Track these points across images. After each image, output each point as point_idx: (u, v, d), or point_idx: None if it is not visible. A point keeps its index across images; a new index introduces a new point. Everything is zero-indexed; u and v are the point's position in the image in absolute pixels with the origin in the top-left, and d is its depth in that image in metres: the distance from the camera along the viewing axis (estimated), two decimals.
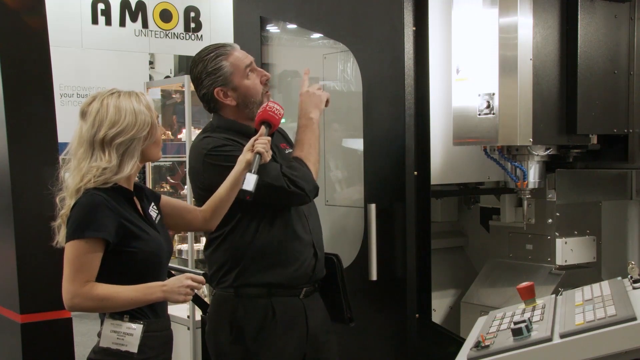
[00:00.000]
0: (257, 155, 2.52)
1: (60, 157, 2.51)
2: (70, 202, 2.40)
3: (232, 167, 2.63)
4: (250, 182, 2.45)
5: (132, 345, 2.40)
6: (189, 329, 5.22)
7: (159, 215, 2.60)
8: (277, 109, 2.65)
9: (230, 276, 2.78)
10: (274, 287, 2.75)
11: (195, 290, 2.52)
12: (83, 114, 2.46)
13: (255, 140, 2.57)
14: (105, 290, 2.36)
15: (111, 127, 2.40)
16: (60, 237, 2.45)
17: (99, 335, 2.45)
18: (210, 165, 2.73)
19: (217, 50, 2.82)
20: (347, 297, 2.92)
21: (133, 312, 2.42)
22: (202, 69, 2.81)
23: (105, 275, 2.37)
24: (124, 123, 2.41)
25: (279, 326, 2.74)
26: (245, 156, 2.56)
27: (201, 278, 2.47)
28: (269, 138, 2.59)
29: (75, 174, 2.41)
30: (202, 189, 2.77)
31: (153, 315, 2.46)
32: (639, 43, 3.27)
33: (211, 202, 2.67)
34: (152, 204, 2.60)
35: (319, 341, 2.83)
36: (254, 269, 2.75)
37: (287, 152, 2.88)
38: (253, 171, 2.48)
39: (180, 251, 5.69)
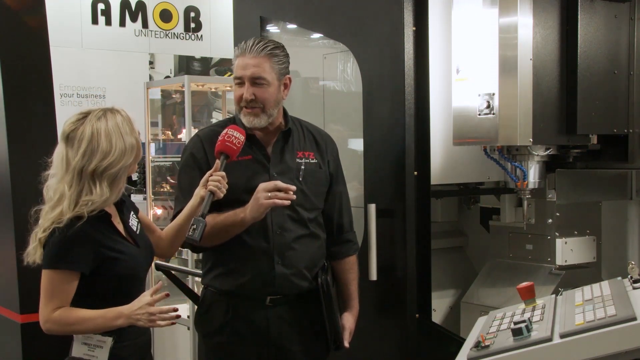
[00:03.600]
0: (209, 194, 2.52)
1: (43, 176, 2.48)
2: (50, 225, 2.38)
3: (179, 186, 2.77)
4: (196, 229, 2.43)
5: (103, 357, 2.44)
6: (189, 329, 5.22)
7: (139, 224, 2.63)
8: (235, 137, 2.61)
9: (202, 271, 2.91)
10: (229, 292, 2.79)
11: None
12: (70, 140, 2.41)
13: (209, 176, 2.57)
14: (73, 316, 2.40)
15: (103, 159, 2.39)
16: (36, 255, 2.43)
17: (72, 344, 2.49)
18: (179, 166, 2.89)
19: (238, 46, 2.80)
20: (332, 321, 2.82)
21: None
22: None
23: (83, 296, 2.42)
24: (115, 153, 2.40)
25: (233, 328, 2.78)
26: (199, 191, 2.58)
27: (161, 295, 2.42)
28: (223, 173, 2.56)
29: (67, 202, 2.38)
30: None
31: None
32: (639, 43, 3.27)
33: (169, 229, 2.73)
34: (132, 213, 2.62)
35: (287, 351, 2.81)
36: (213, 273, 2.83)
37: (302, 160, 2.83)
38: (202, 212, 2.47)
39: (180, 251, 5.69)
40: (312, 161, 2.85)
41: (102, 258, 2.42)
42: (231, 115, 2.96)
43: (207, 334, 2.86)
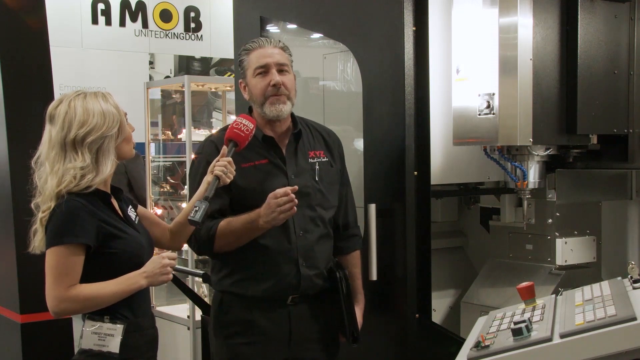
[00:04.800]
0: (215, 178, 2.52)
1: (32, 162, 2.51)
2: (50, 205, 2.41)
3: (193, 185, 2.74)
4: (198, 210, 2.43)
5: (114, 345, 2.42)
6: (189, 329, 5.22)
7: (138, 217, 2.64)
8: (244, 125, 2.61)
9: (216, 278, 2.86)
10: (250, 298, 2.77)
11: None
12: (51, 118, 2.47)
13: (216, 161, 2.57)
14: (89, 289, 2.39)
15: (80, 127, 2.42)
16: (36, 242, 2.46)
17: (80, 337, 2.47)
18: (190, 167, 2.87)
19: (248, 44, 2.84)
20: (351, 316, 2.87)
21: (113, 313, 2.44)
22: (237, 57, 2.88)
23: (89, 277, 2.40)
24: (92, 122, 2.43)
25: (256, 327, 2.77)
26: (207, 178, 2.57)
27: (174, 255, 2.52)
28: (230, 159, 2.56)
29: (51, 178, 2.42)
30: None
31: (132, 315, 2.48)
32: (639, 43, 3.27)
33: (177, 220, 2.74)
34: (130, 207, 2.63)
35: (306, 349, 2.82)
36: (232, 279, 2.80)
37: (315, 160, 2.82)
38: (207, 195, 2.48)
39: (180, 251, 5.70)
40: (323, 160, 2.87)
41: (105, 234, 2.41)
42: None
43: (228, 336, 2.82)
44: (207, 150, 2.81)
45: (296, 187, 2.67)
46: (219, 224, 2.69)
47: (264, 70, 2.76)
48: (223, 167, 2.53)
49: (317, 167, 2.83)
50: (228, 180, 2.55)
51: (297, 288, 2.77)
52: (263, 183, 2.72)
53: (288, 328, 2.78)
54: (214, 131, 5.18)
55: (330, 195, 2.87)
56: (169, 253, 2.51)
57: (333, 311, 2.87)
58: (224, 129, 2.91)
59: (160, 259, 2.46)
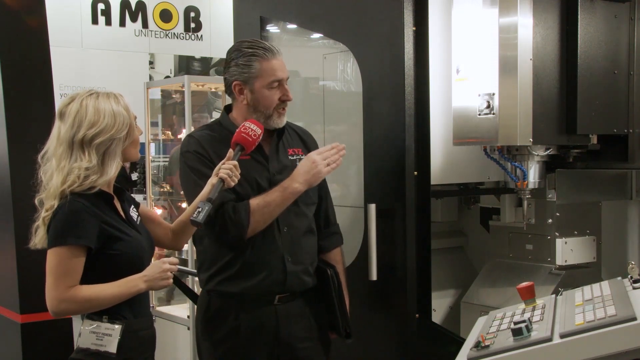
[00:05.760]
0: (220, 181, 2.53)
1: (39, 157, 2.51)
2: (53, 203, 2.41)
3: (193, 179, 2.72)
4: (201, 211, 2.44)
5: (111, 345, 2.42)
6: (189, 329, 5.22)
7: (139, 217, 2.64)
8: (252, 130, 2.64)
9: (204, 277, 2.86)
10: (238, 295, 2.77)
11: (177, 272, 2.56)
12: (61, 115, 2.48)
13: (222, 164, 2.58)
14: (89, 291, 2.39)
15: (90, 127, 2.42)
16: (37, 238, 2.46)
17: (79, 335, 2.47)
18: (182, 167, 2.82)
19: (257, 50, 2.77)
20: (344, 312, 2.88)
21: (112, 313, 2.44)
22: (235, 57, 2.80)
23: (89, 278, 2.40)
24: (102, 123, 2.43)
25: (243, 330, 2.77)
26: (211, 180, 2.58)
27: (176, 260, 2.52)
28: (235, 163, 2.57)
29: (57, 175, 2.42)
30: (182, 189, 2.89)
31: (132, 316, 2.48)
32: (639, 43, 3.27)
33: (179, 220, 2.74)
34: (132, 206, 2.64)
35: (296, 348, 2.82)
36: (220, 277, 2.80)
37: (295, 157, 2.85)
38: (211, 197, 2.48)
39: (180, 251, 5.70)
40: (302, 157, 2.87)
41: (106, 235, 2.42)
42: (215, 119, 2.97)
43: (217, 340, 2.82)
44: (193, 145, 2.79)
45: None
46: (249, 201, 2.70)
47: (279, 84, 2.78)
48: (229, 170, 2.55)
49: (298, 163, 2.83)
50: (232, 184, 2.56)
51: (283, 284, 2.77)
52: (246, 177, 2.72)
53: (275, 328, 2.78)
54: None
55: (310, 191, 2.87)
56: (170, 258, 2.51)
57: (324, 308, 2.88)
58: (207, 128, 2.91)
59: (161, 264, 2.46)
